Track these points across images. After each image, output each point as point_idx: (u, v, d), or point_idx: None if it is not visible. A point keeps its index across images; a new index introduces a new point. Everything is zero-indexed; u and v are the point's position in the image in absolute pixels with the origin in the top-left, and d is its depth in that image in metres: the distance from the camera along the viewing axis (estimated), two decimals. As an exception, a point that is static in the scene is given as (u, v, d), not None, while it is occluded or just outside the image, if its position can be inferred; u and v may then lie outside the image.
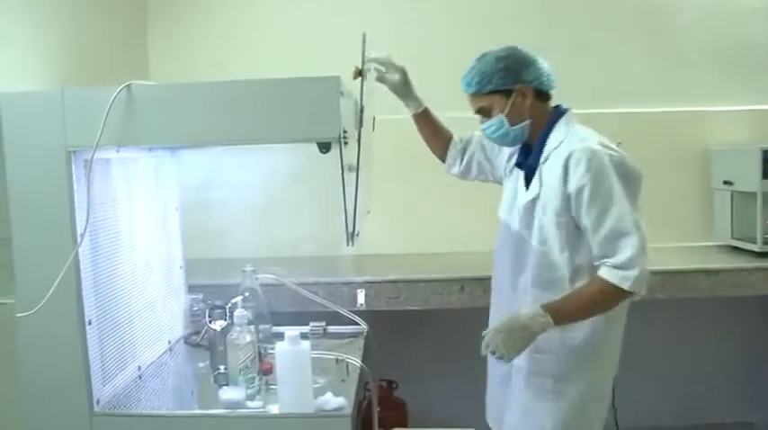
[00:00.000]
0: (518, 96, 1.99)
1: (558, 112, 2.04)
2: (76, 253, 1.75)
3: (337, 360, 2.16)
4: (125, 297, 2.06)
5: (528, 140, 2.06)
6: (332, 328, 2.46)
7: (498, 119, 2.01)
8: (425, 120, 2.33)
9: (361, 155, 1.91)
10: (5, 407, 1.02)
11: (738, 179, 3.15)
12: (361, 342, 2.37)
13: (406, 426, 3.10)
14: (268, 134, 1.75)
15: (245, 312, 2.01)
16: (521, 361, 1.96)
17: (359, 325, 2.41)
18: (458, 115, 3.29)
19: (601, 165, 1.85)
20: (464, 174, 2.36)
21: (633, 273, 1.82)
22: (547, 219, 1.94)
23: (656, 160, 3.39)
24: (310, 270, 2.90)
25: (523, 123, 2.01)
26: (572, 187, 1.88)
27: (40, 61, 2.38)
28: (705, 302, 3.06)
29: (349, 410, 1.80)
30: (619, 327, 2.03)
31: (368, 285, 2.76)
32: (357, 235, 1.90)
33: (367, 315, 2.48)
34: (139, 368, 2.13)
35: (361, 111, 1.90)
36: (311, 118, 1.71)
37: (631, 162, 1.91)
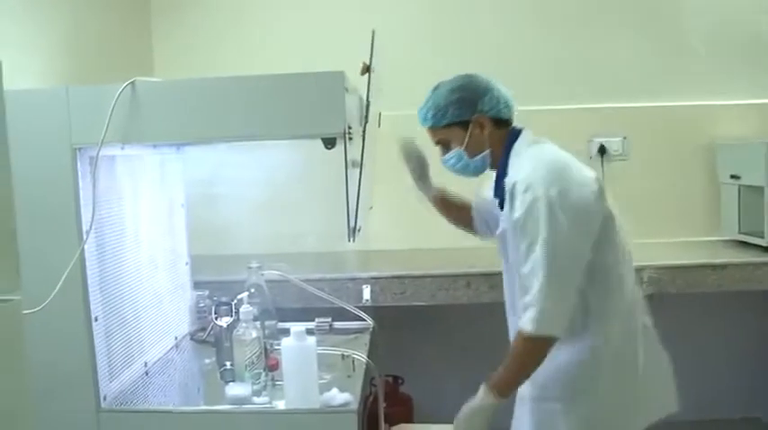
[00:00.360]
0: (475, 128, 1.93)
1: (512, 136, 1.96)
2: (82, 250, 1.75)
3: (343, 355, 2.16)
4: (131, 293, 2.07)
5: (493, 168, 2.00)
6: (337, 324, 2.46)
7: (457, 152, 1.96)
8: (444, 203, 2.29)
9: (365, 151, 1.91)
10: (12, 403, 1.02)
11: (745, 173, 3.13)
12: (366, 337, 2.38)
13: (411, 422, 3.09)
14: (273, 130, 1.76)
15: (251, 308, 2.01)
16: (524, 390, 1.91)
17: (364, 320, 2.41)
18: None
19: (533, 199, 1.76)
20: (486, 234, 2.26)
21: (530, 313, 1.74)
22: (513, 250, 1.88)
23: (663, 155, 3.40)
24: (315, 266, 2.90)
25: (483, 154, 1.96)
26: (513, 220, 1.82)
27: (43, 60, 2.38)
28: (712, 297, 3.04)
29: (355, 406, 1.80)
30: (625, 338, 1.91)
31: (373, 281, 2.75)
32: (359, 231, 1.90)
33: (372, 310, 2.48)
34: (146, 364, 2.14)
35: (368, 106, 1.90)
36: (316, 113, 1.72)
37: (577, 191, 1.79)
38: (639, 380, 1.92)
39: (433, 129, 1.98)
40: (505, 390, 1.84)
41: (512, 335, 2.05)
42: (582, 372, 1.88)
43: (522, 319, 1.77)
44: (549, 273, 1.73)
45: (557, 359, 1.86)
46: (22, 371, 1.01)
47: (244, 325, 1.96)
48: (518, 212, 1.79)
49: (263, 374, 1.96)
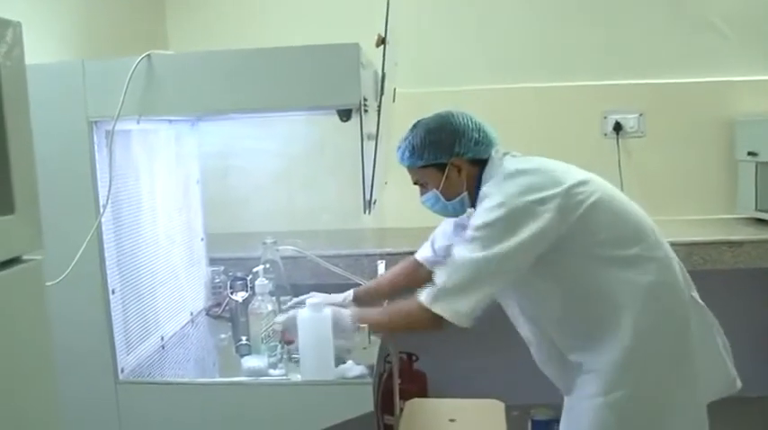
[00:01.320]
0: (452, 170, 1.89)
1: (481, 168, 1.92)
2: (99, 223, 1.76)
3: (358, 327, 2.16)
4: (147, 268, 2.08)
5: (473, 206, 1.95)
6: (352, 300, 2.46)
7: (434, 193, 1.93)
8: (366, 296, 2.22)
9: (380, 126, 1.90)
10: (38, 360, 1.04)
11: (763, 150, 3.09)
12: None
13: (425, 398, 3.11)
14: (289, 101, 1.76)
15: (267, 281, 2.02)
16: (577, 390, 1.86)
17: (379, 296, 2.41)
18: (483, 87, 3.30)
19: (483, 200, 1.78)
20: None
21: (433, 289, 1.75)
22: None
23: (679, 131, 3.38)
24: (330, 242, 2.91)
25: (461, 196, 1.92)
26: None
27: (56, 37, 2.38)
28: (728, 275, 3.03)
29: (371, 378, 1.81)
30: (667, 318, 1.82)
31: (388, 257, 2.75)
32: (374, 203, 1.90)
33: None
34: (162, 338, 2.16)
35: (383, 78, 1.89)
36: (332, 85, 1.72)
37: (531, 196, 1.74)
38: (689, 361, 1.84)
39: (410, 169, 1.96)
40: (364, 318, 1.88)
41: (523, 333, 2.03)
42: (627, 362, 1.78)
43: (426, 291, 1.77)
44: (467, 262, 1.73)
45: (600, 352, 1.80)
46: (45, 330, 1.02)
47: (259, 298, 1.97)
48: (478, 207, 1.81)
49: (279, 347, 1.96)
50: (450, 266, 1.77)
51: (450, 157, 1.89)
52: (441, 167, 1.90)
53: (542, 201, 1.74)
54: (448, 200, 1.93)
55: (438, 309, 1.74)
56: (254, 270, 2.14)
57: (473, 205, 1.91)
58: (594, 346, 1.81)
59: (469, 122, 1.90)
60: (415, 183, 1.99)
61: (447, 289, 1.74)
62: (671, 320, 1.84)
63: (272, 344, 1.93)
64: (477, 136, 1.89)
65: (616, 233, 1.81)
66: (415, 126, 1.94)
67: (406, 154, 1.92)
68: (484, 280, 1.75)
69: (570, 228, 1.76)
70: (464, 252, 1.75)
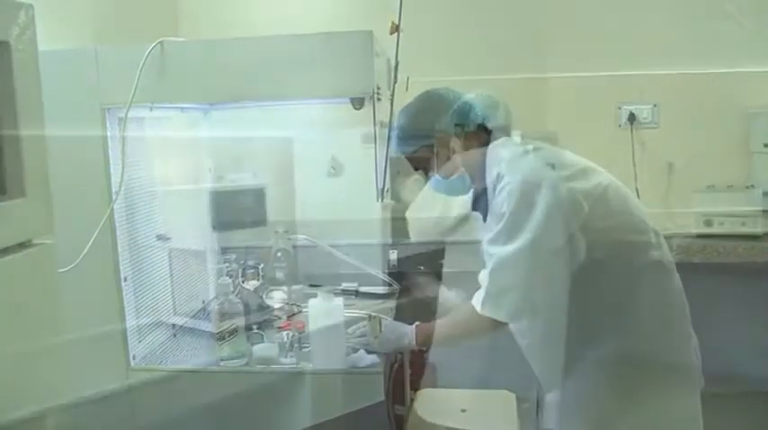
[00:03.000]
0: (441, 147, 1.82)
1: (485, 144, 1.85)
2: (112, 210, 1.76)
3: (370, 316, 2.16)
4: (159, 256, 2.08)
5: (478, 187, 1.87)
6: (364, 289, 2.46)
7: (433, 178, 1.88)
8: None
9: (393, 114, 1.89)
10: (48, 345, 1.04)
11: (779, 142, 3.07)
12: (393, 303, 2.38)
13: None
14: (302, 90, 1.76)
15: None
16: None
17: (391, 286, 2.41)
18: (495, 77, 3.27)
19: (507, 183, 1.69)
20: None
21: (480, 293, 1.70)
22: None
23: (693, 123, 3.33)
24: (342, 232, 2.89)
25: (458, 174, 1.84)
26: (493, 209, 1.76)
27: (70, 21, 2.38)
28: (742, 267, 3.00)
29: (382, 367, 1.80)
30: (678, 308, 1.83)
31: (400, 247, 2.74)
32: (387, 191, 1.89)
33: (399, 276, 2.48)
34: (174, 326, 2.16)
35: (396, 66, 1.88)
36: (345, 74, 1.71)
37: (567, 188, 1.69)
38: (689, 338, 1.87)
39: (407, 157, 1.89)
40: (428, 343, 1.86)
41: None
42: (638, 343, 1.78)
43: (475, 295, 1.73)
44: (506, 258, 1.66)
45: (613, 337, 1.78)
46: (56, 313, 1.03)
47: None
48: (498, 198, 1.72)
49: (290, 335, 1.96)
50: (492, 266, 1.70)
51: (434, 134, 1.82)
52: (431, 148, 1.84)
53: (561, 179, 1.69)
54: (447, 178, 1.86)
55: (496, 315, 1.69)
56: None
57: (483, 188, 1.84)
58: (608, 332, 1.78)
59: (449, 94, 1.84)
60: (416, 169, 1.93)
61: (497, 290, 1.69)
62: (677, 300, 1.84)
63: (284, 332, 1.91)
64: (464, 109, 1.83)
65: (629, 218, 1.79)
66: (399, 114, 1.88)
67: (396, 143, 1.87)
68: (529, 269, 1.67)
69: (590, 208, 1.71)
70: (500, 247, 1.68)
